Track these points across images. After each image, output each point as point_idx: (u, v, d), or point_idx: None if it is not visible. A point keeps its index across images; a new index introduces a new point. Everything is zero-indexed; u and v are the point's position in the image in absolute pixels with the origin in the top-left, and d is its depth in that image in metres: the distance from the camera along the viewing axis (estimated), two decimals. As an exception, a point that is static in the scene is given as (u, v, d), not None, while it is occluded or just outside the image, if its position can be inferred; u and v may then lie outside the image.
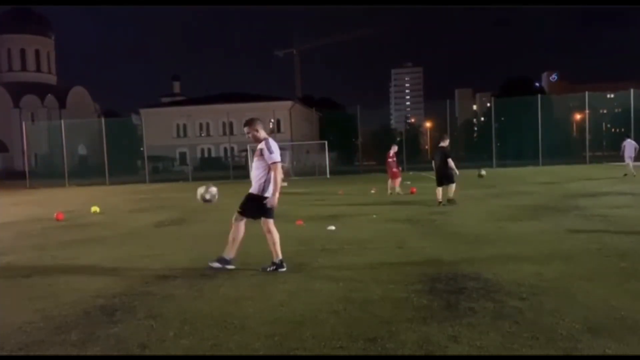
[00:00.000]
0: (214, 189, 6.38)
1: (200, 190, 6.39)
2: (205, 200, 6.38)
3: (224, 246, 5.80)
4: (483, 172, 13.11)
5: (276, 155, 5.45)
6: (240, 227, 5.71)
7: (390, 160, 15.78)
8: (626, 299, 4.17)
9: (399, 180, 15.65)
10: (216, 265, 5.74)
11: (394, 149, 16.33)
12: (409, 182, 21.98)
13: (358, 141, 46.48)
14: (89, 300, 4.75)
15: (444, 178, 11.66)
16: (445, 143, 11.83)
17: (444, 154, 11.60)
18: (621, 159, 20.91)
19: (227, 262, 5.74)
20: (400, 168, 16.67)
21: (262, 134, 5.57)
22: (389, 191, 15.51)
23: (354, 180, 25.47)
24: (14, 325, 4.09)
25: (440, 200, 11.54)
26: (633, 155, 19.83)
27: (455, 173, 11.75)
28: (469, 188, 15.79)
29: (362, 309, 4.16)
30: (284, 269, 5.56)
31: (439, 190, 11.64)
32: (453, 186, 11.70)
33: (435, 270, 5.38)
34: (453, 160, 11.66)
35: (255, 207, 5.58)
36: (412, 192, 15.46)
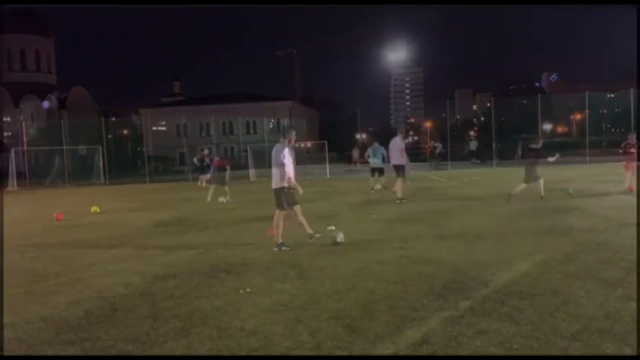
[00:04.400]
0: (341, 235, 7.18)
1: (333, 234, 7.29)
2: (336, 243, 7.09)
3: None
4: (571, 191, 13.02)
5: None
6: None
7: (632, 150, 13.57)
8: (626, 299, 4.17)
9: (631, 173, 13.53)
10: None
11: (634, 138, 13.95)
12: (409, 182, 21.97)
13: (358, 141, 46.47)
14: (89, 300, 4.75)
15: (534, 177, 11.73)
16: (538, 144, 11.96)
17: (541, 154, 11.78)
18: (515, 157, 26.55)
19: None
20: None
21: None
22: (627, 184, 13.27)
23: (354, 180, 25.45)
24: (14, 325, 4.10)
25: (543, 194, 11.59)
26: (520, 153, 26.30)
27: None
28: (469, 188, 15.80)
29: (362, 309, 4.16)
30: None
31: (523, 187, 11.68)
32: (522, 185, 11.76)
33: (436, 270, 5.38)
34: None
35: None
36: (630, 190, 12.93)
